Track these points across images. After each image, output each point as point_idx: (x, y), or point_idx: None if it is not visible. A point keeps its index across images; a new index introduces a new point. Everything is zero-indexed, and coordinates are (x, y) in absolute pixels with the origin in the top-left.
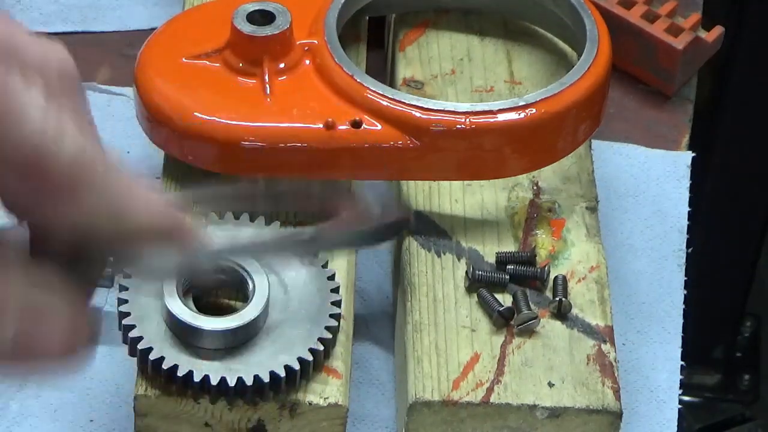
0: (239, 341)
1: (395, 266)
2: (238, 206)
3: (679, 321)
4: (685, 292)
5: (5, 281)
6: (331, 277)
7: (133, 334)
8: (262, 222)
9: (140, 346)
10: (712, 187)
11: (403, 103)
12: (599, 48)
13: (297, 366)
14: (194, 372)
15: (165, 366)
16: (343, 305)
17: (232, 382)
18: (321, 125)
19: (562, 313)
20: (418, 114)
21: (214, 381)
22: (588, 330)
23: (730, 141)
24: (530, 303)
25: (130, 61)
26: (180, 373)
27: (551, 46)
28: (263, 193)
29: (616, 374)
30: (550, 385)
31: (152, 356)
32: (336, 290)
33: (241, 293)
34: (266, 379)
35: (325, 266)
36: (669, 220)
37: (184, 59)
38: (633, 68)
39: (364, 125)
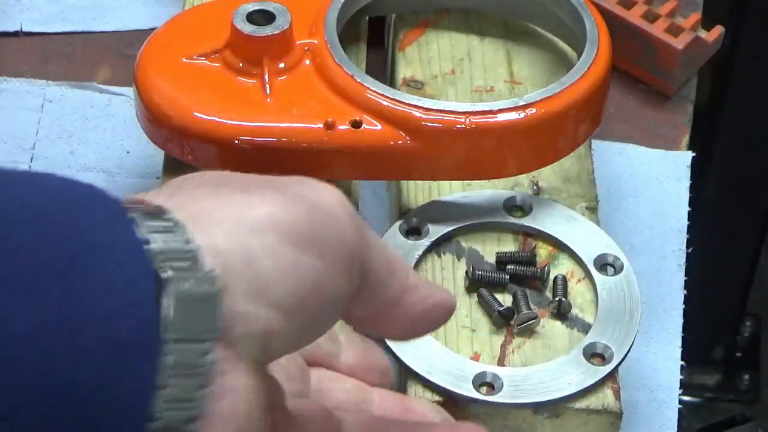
0: None
1: None
2: None
3: (679, 321)
4: (685, 292)
5: None
6: None
7: None
8: None
9: None
10: (712, 187)
11: (403, 103)
12: (599, 48)
13: None
14: None
15: None
16: None
17: None
18: (321, 125)
19: (562, 313)
20: (418, 114)
21: None
22: (588, 330)
23: (730, 141)
24: (530, 303)
25: (130, 61)
26: None
27: (551, 46)
28: None
29: (616, 374)
30: None
31: None
32: None
33: None
34: None
35: None
36: (669, 220)
37: (184, 59)
38: (633, 68)
39: (364, 125)
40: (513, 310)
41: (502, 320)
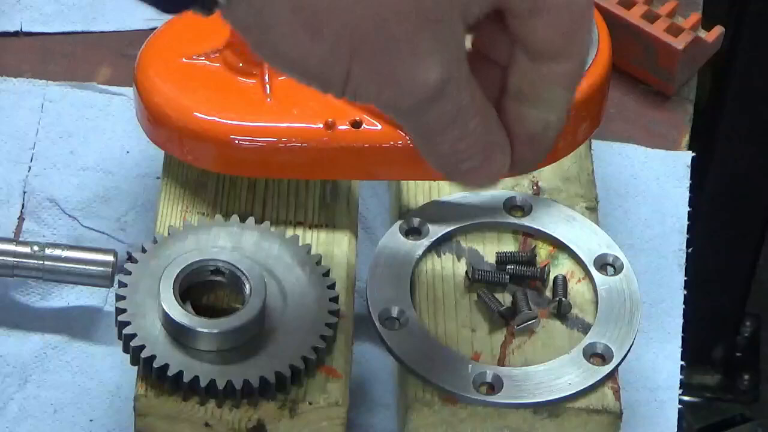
0: (234, 344)
1: None
2: None
3: (679, 321)
4: (685, 292)
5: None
6: (329, 280)
7: (127, 330)
8: (267, 225)
9: (133, 343)
10: (712, 187)
11: None
12: (599, 48)
13: (288, 373)
14: (184, 372)
15: (156, 365)
16: (343, 306)
17: (221, 385)
18: (321, 125)
19: (561, 313)
20: None
21: (203, 383)
22: (588, 330)
23: (730, 141)
24: (530, 303)
25: (130, 61)
26: (170, 372)
27: None
28: None
29: (616, 374)
30: None
31: (144, 354)
32: (333, 287)
33: (240, 296)
34: (256, 384)
35: (323, 270)
36: (669, 220)
37: (184, 59)
38: (633, 68)
39: (364, 125)
40: (513, 310)
41: (502, 320)
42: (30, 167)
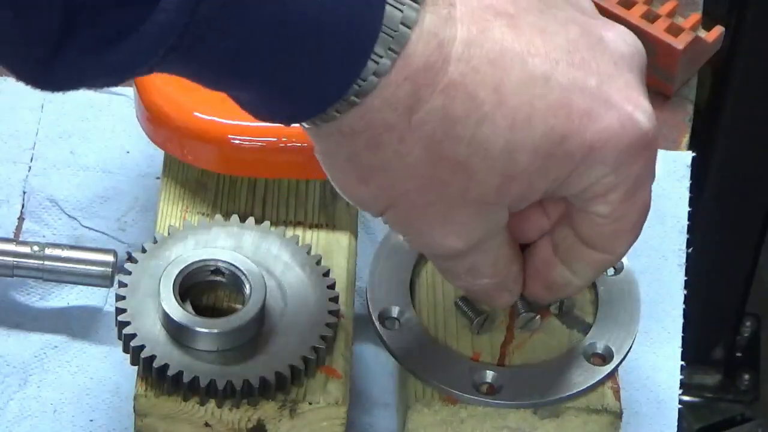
0: (233, 344)
1: None
2: None
3: (679, 321)
4: (685, 292)
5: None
6: (329, 280)
7: (127, 330)
8: (267, 225)
9: (133, 343)
10: (712, 187)
11: None
12: None
13: (288, 373)
14: (184, 372)
15: (156, 365)
16: (343, 306)
17: (221, 385)
18: None
19: (561, 313)
20: None
21: (203, 383)
22: (588, 330)
23: (730, 141)
24: (531, 303)
25: None
26: (170, 372)
27: None
28: None
29: (616, 374)
30: None
31: (144, 354)
32: (333, 287)
33: (240, 296)
34: (256, 384)
35: (323, 270)
36: (669, 220)
37: None
38: None
39: None
40: (513, 311)
41: (480, 328)
42: (30, 167)
